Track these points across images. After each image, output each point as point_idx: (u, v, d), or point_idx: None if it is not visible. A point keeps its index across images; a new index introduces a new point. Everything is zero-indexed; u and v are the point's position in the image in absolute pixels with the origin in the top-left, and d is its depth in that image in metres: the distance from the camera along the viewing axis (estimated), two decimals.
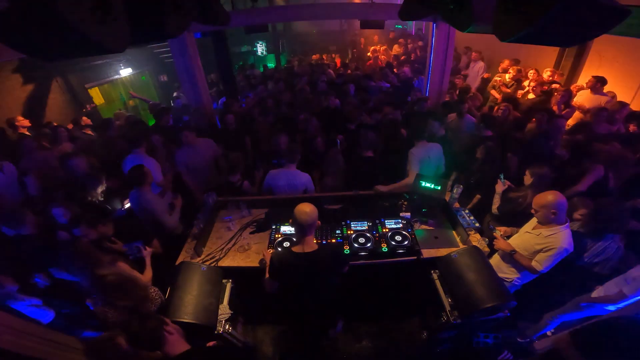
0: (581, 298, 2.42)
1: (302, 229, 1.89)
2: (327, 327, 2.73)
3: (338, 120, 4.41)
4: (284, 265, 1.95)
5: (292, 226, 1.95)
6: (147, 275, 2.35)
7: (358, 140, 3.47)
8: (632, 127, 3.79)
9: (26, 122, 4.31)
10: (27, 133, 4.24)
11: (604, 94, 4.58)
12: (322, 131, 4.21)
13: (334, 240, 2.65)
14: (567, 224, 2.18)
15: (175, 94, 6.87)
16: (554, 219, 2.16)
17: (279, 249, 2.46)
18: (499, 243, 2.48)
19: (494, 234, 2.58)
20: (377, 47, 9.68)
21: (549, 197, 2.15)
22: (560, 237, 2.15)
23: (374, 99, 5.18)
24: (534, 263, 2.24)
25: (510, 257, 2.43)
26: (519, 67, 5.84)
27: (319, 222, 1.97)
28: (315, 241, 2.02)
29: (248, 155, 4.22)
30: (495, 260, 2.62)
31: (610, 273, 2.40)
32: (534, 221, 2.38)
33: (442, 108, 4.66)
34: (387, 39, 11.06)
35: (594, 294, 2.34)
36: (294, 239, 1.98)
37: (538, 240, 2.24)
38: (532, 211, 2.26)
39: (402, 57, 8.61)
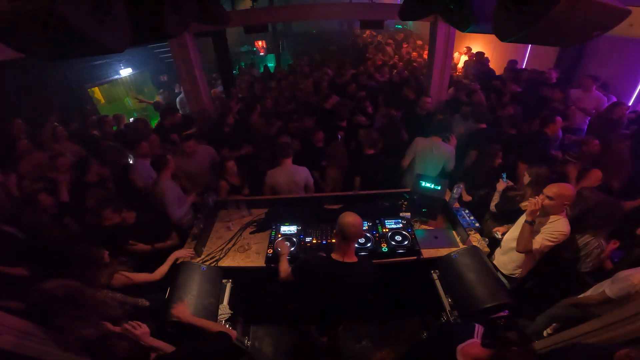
0: (568, 299, 2.42)
1: (347, 239, 1.83)
2: (329, 330, 2.73)
3: (334, 119, 4.40)
4: (317, 269, 1.92)
5: (335, 237, 1.91)
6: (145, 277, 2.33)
7: (356, 138, 3.51)
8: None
9: (24, 126, 4.29)
10: (23, 136, 4.22)
11: (601, 95, 4.43)
12: (320, 129, 4.21)
13: (334, 240, 2.64)
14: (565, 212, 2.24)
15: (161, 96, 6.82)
16: (561, 210, 2.19)
17: (315, 253, 2.27)
18: (531, 203, 2.22)
19: (495, 235, 2.58)
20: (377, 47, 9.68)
21: (570, 189, 2.17)
22: (561, 223, 2.18)
23: (377, 99, 5.16)
24: (534, 242, 2.23)
25: (512, 251, 2.40)
26: None
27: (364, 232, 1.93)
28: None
29: (248, 160, 4.19)
30: (497, 257, 2.62)
31: (592, 270, 2.42)
32: None
33: (444, 108, 4.65)
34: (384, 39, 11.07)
35: (581, 296, 2.33)
36: (334, 247, 1.91)
37: (538, 227, 2.25)
38: (546, 200, 2.17)
39: (394, 60, 8.59)
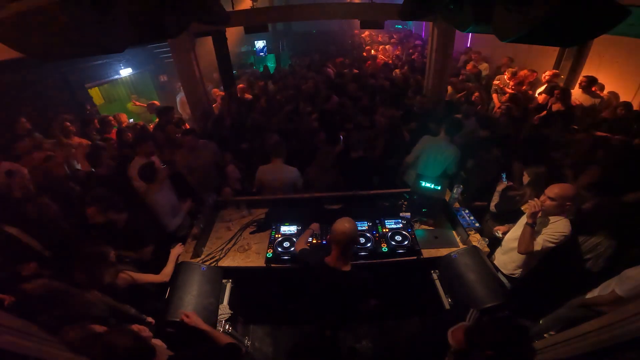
0: (576, 300, 2.41)
1: (339, 246, 1.84)
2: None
3: (337, 120, 4.40)
4: (311, 268, 1.94)
5: (330, 243, 1.92)
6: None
7: (348, 141, 3.46)
8: None
9: (27, 125, 4.32)
10: (26, 134, 4.24)
11: (597, 95, 4.48)
12: (322, 129, 4.19)
13: None
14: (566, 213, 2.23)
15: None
16: (563, 210, 2.18)
17: (309, 250, 2.20)
18: (531, 206, 2.23)
19: (496, 234, 2.57)
20: (377, 47, 9.69)
21: (571, 189, 2.17)
22: (562, 224, 2.17)
23: (377, 99, 5.16)
24: (535, 244, 2.22)
25: (513, 251, 2.40)
26: (514, 69, 5.73)
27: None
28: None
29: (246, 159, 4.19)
30: (498, 257, 2.62)
31: (601, 270, 2.41)
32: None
33: (444, 108, 4.64)
34: (384, 39, 11.09)
35: (589, 295, 2.31)
36: (328, 250, 1.94)
37: (539, 228, 2.25)
38: (547, 201, 2.18)
39: (397, 54, 8.60)
